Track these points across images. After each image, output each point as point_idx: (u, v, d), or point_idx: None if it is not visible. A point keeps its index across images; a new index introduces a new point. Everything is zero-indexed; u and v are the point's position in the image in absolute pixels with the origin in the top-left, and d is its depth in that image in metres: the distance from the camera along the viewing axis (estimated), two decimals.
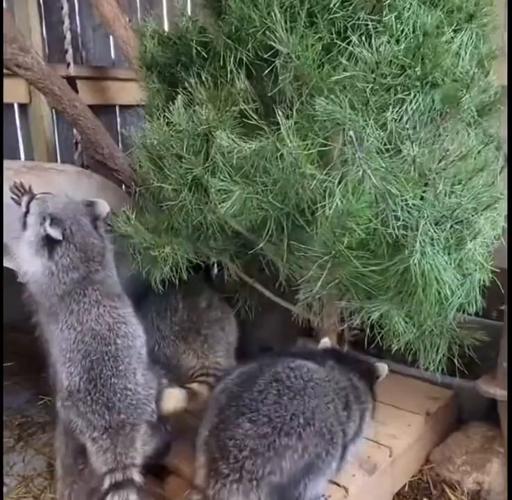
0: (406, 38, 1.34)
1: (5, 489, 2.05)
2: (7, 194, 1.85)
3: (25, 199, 1.81)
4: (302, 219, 1.50)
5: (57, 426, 1.81)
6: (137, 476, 1.64)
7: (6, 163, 2.29)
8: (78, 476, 1.74)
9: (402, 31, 1.34)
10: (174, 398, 1.88)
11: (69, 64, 2.98)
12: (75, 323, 1.73)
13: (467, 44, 1.38)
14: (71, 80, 2.91)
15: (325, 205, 1.35)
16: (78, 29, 3.27)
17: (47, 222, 1.72)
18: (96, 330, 1.73)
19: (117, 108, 3.42)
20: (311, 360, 1.70)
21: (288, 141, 1.32)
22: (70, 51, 3.01)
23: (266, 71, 1.49)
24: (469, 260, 1.40)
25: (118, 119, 3.46)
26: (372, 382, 1.80)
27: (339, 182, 1.33)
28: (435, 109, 1.41)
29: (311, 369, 1.65)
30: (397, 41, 1.34)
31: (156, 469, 1.87)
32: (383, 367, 1.82)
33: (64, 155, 3.18)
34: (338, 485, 1.72)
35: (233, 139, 1.42)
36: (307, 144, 1.34)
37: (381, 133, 1.33)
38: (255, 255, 1.82)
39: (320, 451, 1.53)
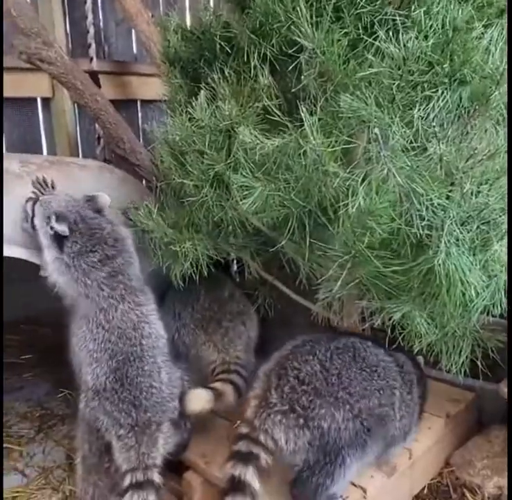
0: (434, 34, 1.30)
1: (25, 480, 2.08)
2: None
3: (29, 204, 1.85)
4: (324, 218, 1.48)
5: (79, 425, 1.82)
6: (157, 477, 1.67)
7: (29, 158, 2.31)
8: (104, 474, 1.77)
9: (431, 27, 1.30)
10: (201, 400, 1.89)
11: (91, 59, 3.00)
12: (103, 321, 1.76)
13: (497, 39, 1.34)
14: (94, 75, 2.92)
15: (347, 203, 1.32)
16: (101, 24, 3.28)
17: (52, 220, 1.76)
18: (121, 328, 1.75)
19: (139, 103, 3.42)
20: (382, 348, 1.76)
21: (311, 138, 1.29)
22: (93, 45, 3.02)
23: (290, 67, 1.46)
24: (495, 262, 1.36)
25: (140, 114, 3.47)
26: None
27: (362, 181, 1.30)
28: (463, 106, 1.37)
29: (383, 354, 1.72)
30: (426, 37, 1.30)
31: (173, 465, 1.88)
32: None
33: (85, 150, 3.21)
34: (355, 485, 1.71)
35: (256, 136, 1.40)
36: (331, 142, 1.32)
37: (407, 131, 1.30)
38: (275, 252, 1.80)
39: (370, 427, 1.58)
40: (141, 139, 3.21)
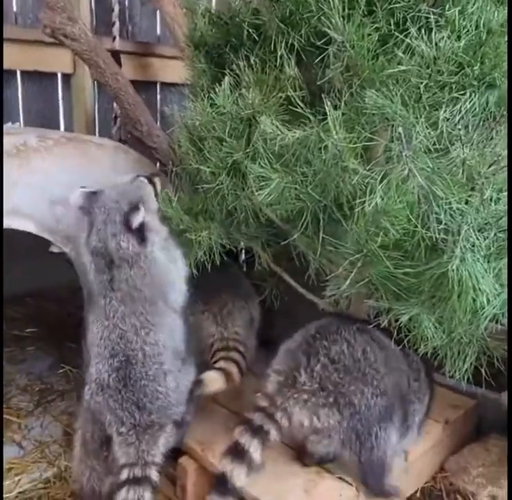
0: (467, 35, 1.27)
1: (21, 452, 2.10)
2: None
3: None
4: (339, 214, 1.47)
5: (83, 411, 1.82)
6: (154, 475, 1.67)
7: (46, 132, 2.31)
8: (102, 461, 1.77)
9: (464, 27, 1.28)
10: (215, 382, 1.97)
11: (114, 38, 2.97)
12: (102, 317, 1.75)
13: None
14: (116, 54, 2.90)
15: (364, 201, 1.30)
16: (126, 2, 3.25)
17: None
18: (123, 330, 1.73)
19: (158, 86, 3.40)
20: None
21: (333, 132, 1.27)
22: (117, 24, 3.00)
23: (317, 59, 1.44)
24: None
25: (159, 97, 3.44)
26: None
27: (382, 180, 1.28)
28: (489, 111, 1.35)
29: (390, 341, 1.75)
30: (459, 37, 1.28)
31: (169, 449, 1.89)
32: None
33: (102, 129, 3.19)
34: (350, 484, 1.71)
35: (277, 126, 1.38)
36: (352, 137, 1.30)
37: (431, 132, 1.27)
38: (286, 245, 1.79)
39: (393, 402, 1.64)
40: (158, 122, 3.20)
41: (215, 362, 2.10)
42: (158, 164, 2.81)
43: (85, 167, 2.07)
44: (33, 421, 2.27)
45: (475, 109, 1.32)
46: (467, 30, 1.28)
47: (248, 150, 1.53)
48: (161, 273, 1.80)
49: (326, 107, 1.30)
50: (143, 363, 1.71)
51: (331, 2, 1.32)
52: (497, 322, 1.56)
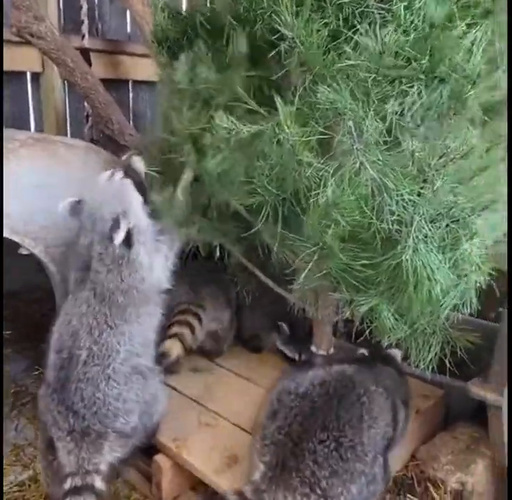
0: (415, 29, 1.29)
1: None
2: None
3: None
4: (298, 207, 1.48)
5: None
6: (98, 483, 1.62)
7: (13, 133, 2.28)
8: (50, 466, 1.72)
9: (412, 22, 1.29)
10: (173, 349, 2.14)
11: (83, 36, 2.95)
12: (62, 314, 1.75)
13: (480, 40, 1.33)
14: (85, 53, 2.89)
15: (317, 194, 1.33)
16: (95, 0, 3.23)
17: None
18: (76, 327, 1.71)
19: (130, 84, 3.39)
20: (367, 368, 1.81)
21: (285, 127, 1.29)
22: (86, 22, 2.98)
23: (270, 55, 1.45)
24: (465, 261, 1.37)
25: (131, 95, 3.43)
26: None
27: (335, 172, 1.30)
28: (440, 104, 1.37)
29: (380, 393, 1.73)
30: (406, 32, 1.29)
31: (144, 447, 1.89)
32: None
33: (74, 128, 3.17)
34: None
35: (232, 121, 1.40)
36: (306, 132, 1.32)
37: (381, 125, 1.29)
38: (256, 240, 1.81)
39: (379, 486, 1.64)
40: (131, 121, 3.19)
41: (169, 327, 2.21)
42: None
43: (54, 168, 2.06)
44: (8, 424, 2.26)
45: (425, 102, 1.33)
46: (415, 25, 1.30)
47: (204, 126, 1.54)
48: (141, 277, 1.78)
49: (277, 103, 1.32)
50: (85, 363, 1.66)
51: None
52: (458, 312, 1.59)
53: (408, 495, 1.92)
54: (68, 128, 3.16)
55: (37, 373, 2.52)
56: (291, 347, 2.37)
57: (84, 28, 2.98)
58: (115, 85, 3.24)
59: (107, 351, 1.70)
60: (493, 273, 1.51)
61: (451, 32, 1.30)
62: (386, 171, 1.28)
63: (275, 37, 1.41)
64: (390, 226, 1.31)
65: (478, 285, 1.48)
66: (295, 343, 2.35)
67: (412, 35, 1.27)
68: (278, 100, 1.33)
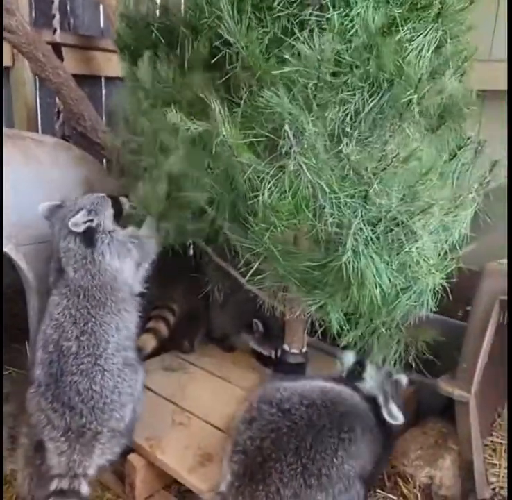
0: (352, 37, 1.32)
1: None
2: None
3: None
4: (256, 209, 1.49)
5: (26, 415, 1.75)
6: (84, 488, 1.62)
7: None
8: (35, 471, 1.70)
9: (350, 29, 1.32)
10: (148, 342, 2.25)
11: (55, 30, 2.89)
12: (46, 313, 1.75)
13: (429, 43, 1.36)
14: (57, 47, 2.83)
15: (255, 196, 1.36)
16: None
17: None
18: (59, 321, 1.70)
19: (103, 80, 3.34)
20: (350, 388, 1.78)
21: (222, 129, 1.31)
22: (57, 16, 2.91)
23: (214, 60, 1.49)
24: (413, 264, 1.40)
25: (104, 91, 3.38)
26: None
27: (274, 175, 1.32)
28: (382, 110, 1.39)
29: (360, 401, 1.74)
30: (347, 40, 1.32)
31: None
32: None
33: (45, 124, 3.11)
34: None
35: (181, 118, 1.42)
36: (248, 134, 1.34)
37: (321, 130, 1.32)
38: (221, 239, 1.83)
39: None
40: (103, 117, 3.14)
41: (149, 320, 2.35)
42: (104, 161, 2.78)
43: (23, 164, 2.02)
44: None
45: (366, 108, 1.35)
46: (352, 33, 1.32)
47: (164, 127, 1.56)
48: (112, 276, 1.80)
49: (212, 105, 1.34)
50: (76, 355, 1.66)
51: (223, 7, 1.35)
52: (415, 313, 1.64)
53: (379, 490, 1.96)
54: (39, 123, 3.09)
55: (6, 373, 2.48)
56: (265, 345, 2.38)
57: (56, 23, 2.91)
58: (88, 80, 3.18)
59: (96, 340, 1.70)
60: (443, 276, 1.54)
61: (393, 38, 1.32)
62: (324, 174, 1.30)
63: (218, 42, 1.43)
64: (330, 229, 1.33)
65: (435, 286, 1.52)
66: (270, 340, 2.36)
67: (348, 43, 1.30)
68: (215, 102, 1.35)
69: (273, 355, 2.34)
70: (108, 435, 1.68)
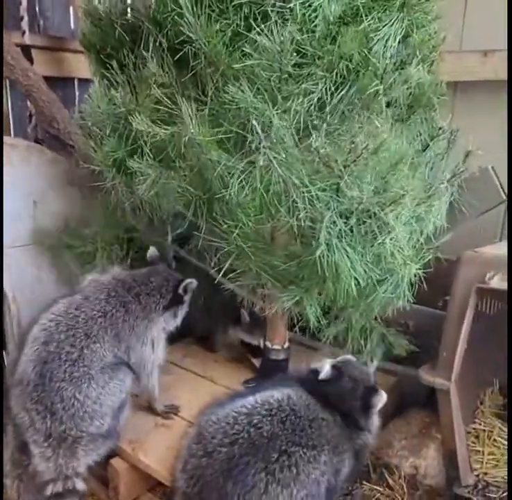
0: (316, 26, 1.31)
1: None
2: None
3: None
4: (224, 207, 1.48)
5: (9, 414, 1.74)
6: (79, 485, 1.67)
7: None
8: (24, 472, 1.71)
9: (310, 20, 1.31)
10: None
11: (24, 33, 2.85)
12: (64, 303, 1.78)
13: (395, 33, 1.36)
14: (26, 49, 2.79)
15: (223, 194, 1.35)
16: None
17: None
18: (75, 326, 1.72)
19: (76, 82, 3.29)
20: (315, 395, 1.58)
21: (190, 127, 1.30)
22: (25, 18, 2.87)
23: (176, 57, 1.47)
24: (390, 255, 1.40)
25: (77, 93, 3.34)
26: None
27: (244, 171, 1.31)
28: (349, 101, 1.39)
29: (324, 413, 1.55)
30: (306, 30, 1.31)
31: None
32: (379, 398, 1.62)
33: (17, 128, 3.06)
34: None
35: (148, 124, 1.40)
36: (216, 131, 1.33)
37: (288, 123, 1.31)
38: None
39: None
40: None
41: None
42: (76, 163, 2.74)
43: None
44: None
45: (330, 99, 1.35)
46: (314, 24, 1.31)
47: (129, 147, 1.54)
48: None
49: (179, 103, 1.33)
50: (75, 363, 1.67)
51: (181, 1, 1.33)
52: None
53: (365, 482, 1.97)
54: (11, 127, 3.04)
55: None
56: (254, 334, 2.35)
57: (25, 24, 2.88)
58: (60, 83, 3.14)
59: (96, 358, 1.72)
60: (417, 268, 1.54)
61: (356, 28, 1.31)
62: (294, 168, 1.29)
63: (179, 39, 1.41)
64: (302, 223, 1.32)
65: (411, 277, 1.51)
66: (257, 329, 2.33)
67: (316, 33, 1.28)
68: (182, 101, 1.33)
69: (262, 345, 2.33)
70: (89, 439, 1.69)
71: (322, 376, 1.58)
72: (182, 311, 1.99)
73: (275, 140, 1.30)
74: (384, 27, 1.34)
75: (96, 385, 1.70)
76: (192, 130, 1.31)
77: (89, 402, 1.68)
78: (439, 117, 1.78)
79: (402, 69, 1.46)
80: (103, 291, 1.83)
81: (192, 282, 1.95)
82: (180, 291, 1.93)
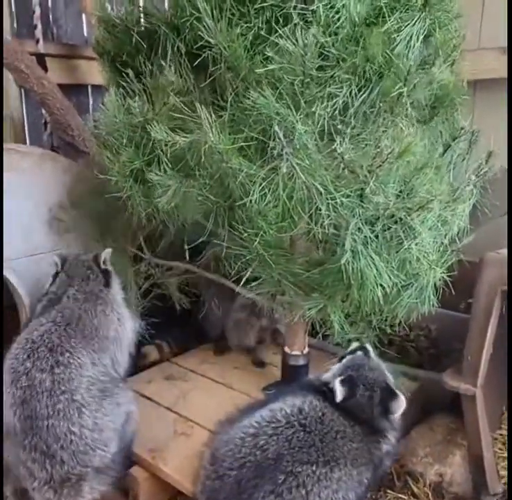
0: (338, 29, 1.27)
1: None
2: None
3: None
4: (245, 215, 1.44)
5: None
6: None
7: None
8: None
9: (334, 22, 1.27)
10: (150, 354, 2.41)
11: (37, 41, 2.86)
12: (23, 335, 1.66)
13: (418, 33, 1.32)
14: (40, 58, 2.80)
15: (244, 202, 1.32)
16: (49, 4, 3.13)
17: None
18: (35, 344, 1.59)
19: (89, 88, 3.31)
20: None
21: (210, 134, 1.27)
22: (39, 26, 2.88)
23: (196, 63, 1.44)
24: (416, 260, 1.36)
25: (91, 100, 3.35)
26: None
27: (266, 178, 1.28)
28: (372, 103, 1.35)
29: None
30: (329, 32, 1.27)
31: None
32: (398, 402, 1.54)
33: (33, 136, 3.08)
34: None
35: (166, 132, 1.37)
36: (237, 138, 1.29)
37: (311, 128, 1.27)
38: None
39: None
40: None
41: None
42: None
43: (8, 176, 1.99)
44: None
45: (355, 102, 1.31)
46: (338, 26, 1.27)
47: (146, 158, 1.51)
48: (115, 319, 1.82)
49: (198, 110, 1.30)
50: (51, 392, 1.50)
51: (200, 5, 1.30)
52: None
53: (389, 491, 1.92)
54: (26, 136, 3.06)
55: None
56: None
57: (38, 33, 2.89)
58: (74, 90, 3.16)
59: (70, 372, 1.56)
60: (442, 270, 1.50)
61: (380, 29, 1.28)
62: (319, 174, 1.25)
63: (198, 44, 1.39)
64: (327, 230, 1.28)
65: (436, 281, 1.48)
66: None
67: (339, 36, 1.25)
68: (201, 108, 1.30)
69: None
70: (94, 473, 1.56)
71: (337, 399, 1.51)
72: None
73: (298, 146, 1.26)
74: (405, 27, 1.30)
75: (88, 411, 1.54)
76: (212, 139, 1.27)
77: (87, 432, 1.53)
78: (460, 117, 1.74)
79: (424, 69, 1.41)
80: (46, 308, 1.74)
81: (106, 251, 1.86)
82: (103, 265, 1.84)
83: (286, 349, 2.10)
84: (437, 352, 2.12)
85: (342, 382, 1.52)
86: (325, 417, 1.49)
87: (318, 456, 1.42)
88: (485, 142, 1.75)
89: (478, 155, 1.76)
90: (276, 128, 1.23)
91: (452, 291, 1.74)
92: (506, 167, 2.09)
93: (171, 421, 2.04)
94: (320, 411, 1.51)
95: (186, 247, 2.27)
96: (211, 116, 1.29)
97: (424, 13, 1.39)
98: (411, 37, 1.31)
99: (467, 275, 1.79)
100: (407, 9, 1.39)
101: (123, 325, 1.84)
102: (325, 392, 1.55)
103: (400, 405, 1.55)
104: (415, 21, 1.33)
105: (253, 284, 1.48)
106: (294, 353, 2.08)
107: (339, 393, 1.50)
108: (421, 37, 1.34)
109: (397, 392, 1.56)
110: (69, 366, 1.57)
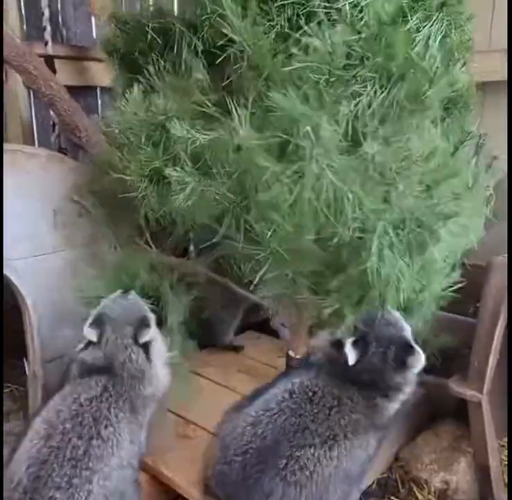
0: (364, 27, 1.25)
1: None
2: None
3: None
4: (262, 212, 1.43)
5: None
6: None
7: None
8: None
9: (360, 20, 1.25)
10: None
11: (46, 43, 2.88)
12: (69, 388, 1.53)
13: (436, 34, 1.30)
14: (49, 59, 2.82)
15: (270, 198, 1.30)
16: (59, 6, 3.15)
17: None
18: (80, 409, 1.44)
19: (98, 90, 3.32)
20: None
21: (240, 131, 1.25)
22: (48, 28, 2.90)
23: (218, 61, 1.41)
24: (432, 264, 1.34)
25: (100, 102, 3.36)
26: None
27: (292, 176, 1.26)
28: (398, 103, 1.32)
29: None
30: (357, 31, 1.26)
31: None
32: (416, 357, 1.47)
33: (41, 137, 3.09)
34: None
35: (187, 130, 1.35)
36: (262, 136, 1.27)
37: (338, 129, 1.25)
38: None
39: None
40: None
41: None
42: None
43: (13, 177, 1.99)
44: None
45: (381, 102, 1.29)
46: (364, 23, 1.26)
47: (166, 157, 1.49)
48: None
49: (229, 106, 1.28)
50: (77, 463, 1.36)
51: (225, 3, 1.28)
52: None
53: (393, 497, 1.89)
54: (35, 137, 3.08)
55: (7, 390, 2.44)
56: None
57: (47, 35, 2.90)
58: (83, 92, 3.17)
59: (106, 452, 1.43)
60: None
61: (403, 28, 1.26)
62: (347, 176, 1.23)
63: (220, 42, 1.36)
64: (351, 233, 1.26)
65: (449, 286, 1.46)
66: None
67: (361, 34, 1.23)
68: (230, 103, 1.28)
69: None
70: None
71: (350, 362, 1.45)
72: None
73: (326, 147, 1.23)
74: (424, 28, 1.28)
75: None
76: (242, 134, 1.25)
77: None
78: (469, 119, 1.72)
79: (446, 70, 1.39)
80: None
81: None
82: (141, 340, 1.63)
83: (291, 353, 2.08)
84: (445, 356, 2.09)
85: (354, 344, 1.46)
86: (315, 397, 1.49)
87: (314, 438, 1.43)
88: (494, 145, 1.73)
89: (486, 160, 1.74)
90: (308, 128, 1.19)
91: (459, 295, 1.72)
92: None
93: (173, 424, 2.03)
94: (311, 390, 1.50)
95: (191, 248, 2.27)
96: (240, 114, 1.26)
97: (441, 13, 1.37)
98: (429, 36, 1.29)
99: (474, 279, 1.76)
100: (425, 9, 1.37)
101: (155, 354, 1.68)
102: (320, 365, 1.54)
103: (418, 360, 1.48)
104: (433, 22, 1.31)
105: (264, 279, 1.43)
106: (298, 357, 2.06)
107: (351, 357, 1.45)
108: (439, 37, 1.32)
109: (415, 346, 1.49)
110: (107, 442, 1.45)
